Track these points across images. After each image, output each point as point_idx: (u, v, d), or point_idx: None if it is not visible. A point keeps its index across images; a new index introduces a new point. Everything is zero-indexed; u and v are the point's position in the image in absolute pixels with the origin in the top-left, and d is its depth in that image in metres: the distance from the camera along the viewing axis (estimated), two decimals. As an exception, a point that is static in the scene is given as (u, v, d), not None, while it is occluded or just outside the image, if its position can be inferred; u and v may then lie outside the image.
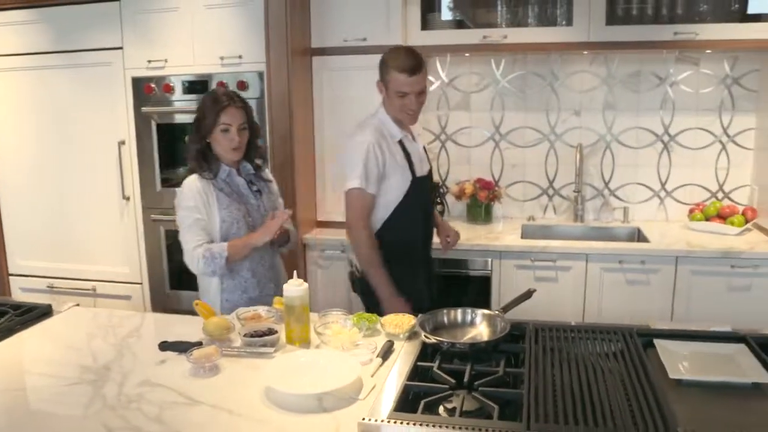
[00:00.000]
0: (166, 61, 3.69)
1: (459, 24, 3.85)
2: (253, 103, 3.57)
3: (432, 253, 2.98)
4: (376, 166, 2.61)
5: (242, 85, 3.58)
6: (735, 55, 3.74)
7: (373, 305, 2.62)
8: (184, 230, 2.55)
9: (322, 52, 3.73)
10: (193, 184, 2.55)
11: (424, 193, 2.80)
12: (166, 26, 3.66)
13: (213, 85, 3.63)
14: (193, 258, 2.49)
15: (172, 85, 3.70)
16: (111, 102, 3.84)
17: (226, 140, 2.52)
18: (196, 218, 2.51)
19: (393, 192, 2.67)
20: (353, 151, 2.62)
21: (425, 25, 3.73)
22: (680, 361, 1.85)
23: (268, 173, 2.83)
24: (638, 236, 3.80)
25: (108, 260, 4.06)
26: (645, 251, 3.40)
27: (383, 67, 2.63)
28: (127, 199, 3.92)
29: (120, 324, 2.36)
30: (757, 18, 3.47)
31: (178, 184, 3.75)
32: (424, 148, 2.91)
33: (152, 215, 3.89)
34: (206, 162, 2.57)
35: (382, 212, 2.69)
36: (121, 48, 3.75)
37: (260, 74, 3.56)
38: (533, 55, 3.93)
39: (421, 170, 2.76)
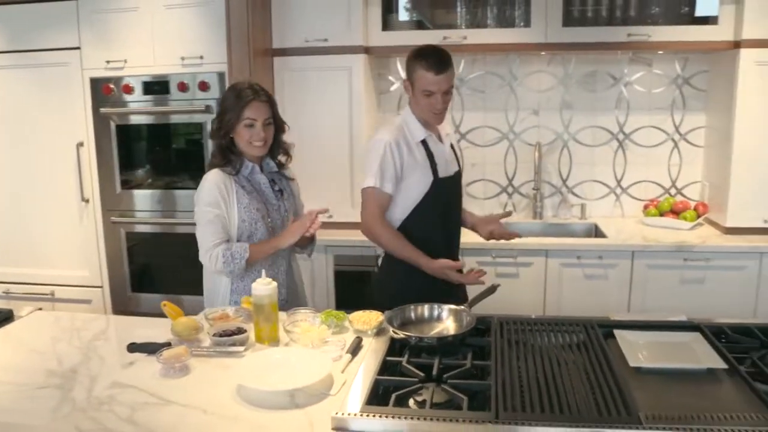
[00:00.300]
0: (125, 61, 3.66)
1: (419, 25, 3.89)
2: (214, 104, 3.57)
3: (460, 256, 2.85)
4: (392, 166, 2.56)
5: (203, 86, 3.57)
6: (685, 56, 3.87)
7: (407, 296, 2.32)
8: (202, 226, 2.45)
9: (284, 52, 3.73)
10: (213, 178, 2.45)
11: (447, 195, 2.70)
12: (125, 26, 3.63)
13: (174, 86, 3.62)
14: (212, 256, 2.41)
15: (131, 85, 3.67)
16: (69, 103, 3.79)
17: (251, 136, 2.44)
18: (216, 214, 2.43)
19: (412, 192, 2.61)
20: (370, 150, 2.60)
21: (386, 25, 3.76)
22: (639, 350, 1.92)
23: (290, 171, 2.72)
24: (595, 232, 3.90)
25: (67, 263, 4.00)
26: (602, 246, 3.49)
27: (410, 65, 2.57)
28: (87, 201, 3.87)
29: (84, 327, 2.33)
30: (704, 21, 3.60)
31: (138, 185, 3.77)
32: (452, 147, 2.78)
33: (112, 217, 3.85)
34: (229, 158, 2.49)
35: (401, 212, 2.63)
36: (78, 48, 3.71)
37: (221, 75, 3.55)
38: (492, 56, 4.00)
39: (446, 171, 2.67)
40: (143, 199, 3.82)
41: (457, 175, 2.77)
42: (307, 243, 2.64)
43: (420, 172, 2.61)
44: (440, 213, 2.68)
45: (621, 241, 3.51)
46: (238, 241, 2.47)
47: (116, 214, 3.85)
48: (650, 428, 1.48)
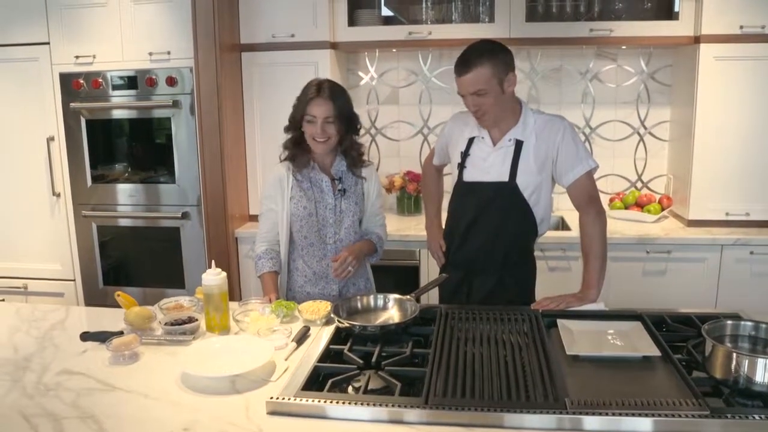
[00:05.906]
0: (94, 56, 3.68)
1: (385, 20, 3.92)
2: (182, 99, 3.60)
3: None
4: (443, 135, 2.75)
5: (171, 81, 3.60)
6: (649, 51, 3.92)
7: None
8: (260, 216, 2.69)
9: (251, 48, 3.75)
10: (275, 172, 2.63)
11: (473, 203, 2.53)
12: (94, 22, 3.66)
13: (142, 81, 3.65)
14: (255, 248, 2.67)
15: (101, 80, 3.69)
16: (39, 98, 3.81)
17: (312, 132, 2.48)
18: (270, 208, 2.63)
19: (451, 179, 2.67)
20: None
21: (352, 21, 3.79)
22: (579, 339, 1.97)
23: (365, 171, 2.66)
24: (561, 225, 3.95)
25: (39, 257, 4.03)
26: (565, 239, 3.54)
27: None
28: (58, 195, 3.89)
29: (43, 318, 2.37)
30: (666, 16, 3.65)
31: (109, 179, 3.81)
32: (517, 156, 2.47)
33: (83, 211, 3.88)
34: (298, 151, 2.56)
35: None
36: (48, 43, 3.72)
37: (189, 70, 3.58)
38: (459, 50, 4.02)
39: (476, 176, 2.52)
40: (114, 193, 3.85)
41: (500, 186, 2.48)
42: (372, 253, 2.70)
43: (453, 165, 2.66)
44: (463, 220, 2.58)
45: (585, 234, 3.55)
46: (291, 226, 2.60)
47: (87, 208, 3.88)
48: (574, 413, 1.53)
